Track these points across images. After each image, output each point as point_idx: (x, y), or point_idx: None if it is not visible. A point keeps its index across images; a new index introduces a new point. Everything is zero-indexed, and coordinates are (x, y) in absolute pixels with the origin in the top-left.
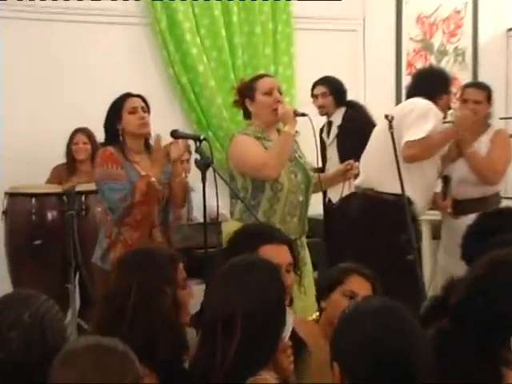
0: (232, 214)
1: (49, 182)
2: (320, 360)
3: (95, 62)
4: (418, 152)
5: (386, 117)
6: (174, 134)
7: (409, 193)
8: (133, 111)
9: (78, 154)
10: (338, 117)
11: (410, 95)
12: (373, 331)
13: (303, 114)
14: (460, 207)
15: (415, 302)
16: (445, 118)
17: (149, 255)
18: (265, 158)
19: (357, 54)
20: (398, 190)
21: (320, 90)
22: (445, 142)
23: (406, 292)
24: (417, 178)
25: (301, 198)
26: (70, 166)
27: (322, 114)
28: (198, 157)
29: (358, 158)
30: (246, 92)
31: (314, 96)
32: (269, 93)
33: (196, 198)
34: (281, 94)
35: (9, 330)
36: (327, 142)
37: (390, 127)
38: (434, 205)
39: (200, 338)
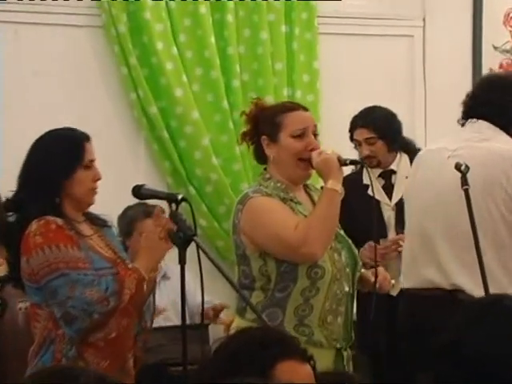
0: (241, 311)
1: None
2: None
3: (14, 81)
4: None
5: (459, 167)
6: (138, 192)
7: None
8: (89, 165)
9: None
10: (400, 164)
11: (469, 116)
12: None
13: (355, 162)
14: None
15: None
16: None
17: (71, 378)
18: (303, 231)
19: (414, 71)
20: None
21: (362, 134)
22: None
23: None
24: None
25: (346, 289)
26: None
27: (373, 166)
28: (174, 227)
29: None
30: (264, 126)
31: (354, 141)
32: (300, 135)
33: (171, 288)
34: (316, 136)
35: None
36: (387, 202)
37: (465, 183)
38: None
39: None
